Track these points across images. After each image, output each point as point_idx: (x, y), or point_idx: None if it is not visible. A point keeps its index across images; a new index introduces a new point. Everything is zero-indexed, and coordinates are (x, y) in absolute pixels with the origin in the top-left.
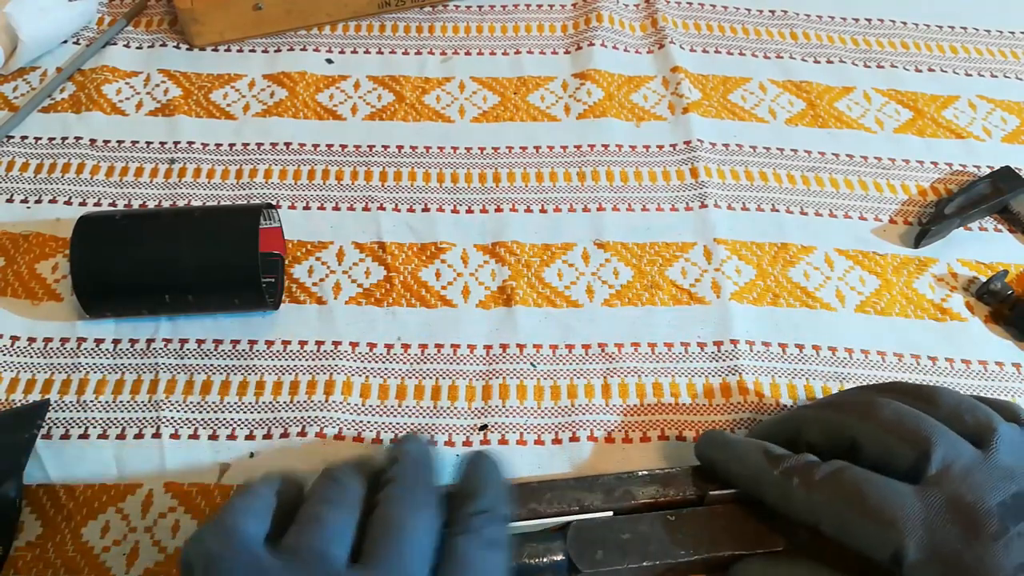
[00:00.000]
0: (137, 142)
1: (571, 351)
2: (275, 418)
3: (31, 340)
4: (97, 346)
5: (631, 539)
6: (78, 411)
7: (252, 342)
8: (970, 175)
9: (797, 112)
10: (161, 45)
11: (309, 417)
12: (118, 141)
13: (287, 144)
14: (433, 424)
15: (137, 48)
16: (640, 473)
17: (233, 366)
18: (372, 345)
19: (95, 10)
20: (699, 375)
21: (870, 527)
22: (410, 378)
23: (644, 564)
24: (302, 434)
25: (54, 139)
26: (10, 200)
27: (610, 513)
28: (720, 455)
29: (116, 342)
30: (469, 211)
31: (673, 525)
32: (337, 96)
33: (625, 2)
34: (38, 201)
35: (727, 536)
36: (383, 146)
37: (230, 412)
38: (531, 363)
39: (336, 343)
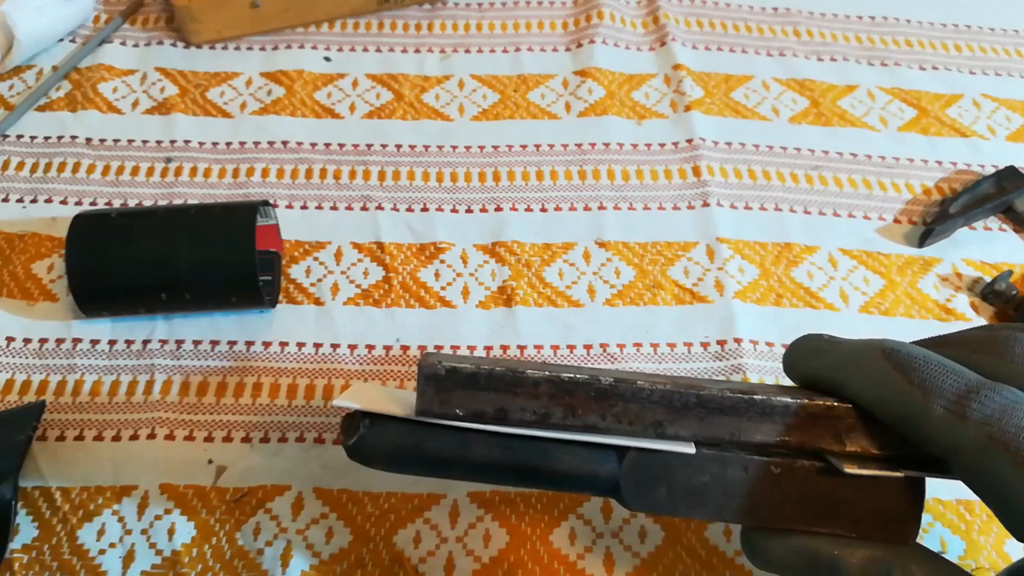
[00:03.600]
0: (133, 141)
1: (572, 351)
2: (272, 421)
3: (27, 341)
4: (93, 347)
5: (709, 484)
6: (74, 412)
7: (249, 343)
8: (974, 174)
9: (800, 110)
10: (158, 43)
11: (307, 422)
12: (114, 140)
13: (284, 143)
14: None
15: (133, 46)
16: (758, 398)
17: (229, 368)
18: (371, 347)
19: (91, 8)
20: (702, 375)
21: None
22: (410, 380)
23: (719, 519)
24: (300, 439)
25: (50, 138)
26: (5, 200)
27: (691, 447)
28: (828, 369)
29: (112, 343)
30: (469, 210)
31: (775, 479)
32: (335, 94)
33: None
34: (33, 200)
35: (846, 512)
36: (381, 145)
37: (226, 414)
38: None
39: (335, 345)
